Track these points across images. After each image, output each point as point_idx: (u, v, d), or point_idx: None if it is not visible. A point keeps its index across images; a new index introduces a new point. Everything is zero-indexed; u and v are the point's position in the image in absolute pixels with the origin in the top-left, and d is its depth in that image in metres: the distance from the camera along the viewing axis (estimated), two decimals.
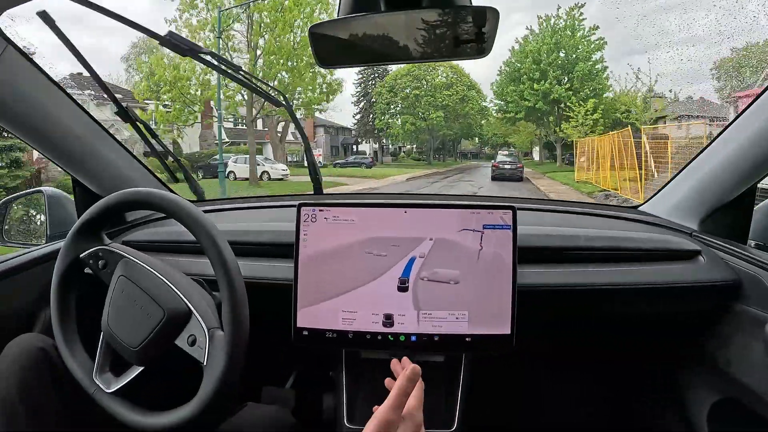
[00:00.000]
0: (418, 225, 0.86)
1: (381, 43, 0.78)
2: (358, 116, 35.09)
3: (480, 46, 0.76)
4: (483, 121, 34.16)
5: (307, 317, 0.86)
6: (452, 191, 13.70)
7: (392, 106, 31.42)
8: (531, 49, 22.78)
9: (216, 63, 1.01)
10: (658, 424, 1.20)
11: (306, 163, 1.26)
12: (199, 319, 0.72)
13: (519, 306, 0.84)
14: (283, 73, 15.14)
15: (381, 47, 0.79)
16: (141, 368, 0.75)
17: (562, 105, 21.37)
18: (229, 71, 1.04)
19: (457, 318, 0.84)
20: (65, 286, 0.82)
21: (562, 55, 22.38)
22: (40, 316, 1.01)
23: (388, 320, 0.85)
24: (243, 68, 1.06)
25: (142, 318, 0.73)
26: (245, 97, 14.54)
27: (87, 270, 0.83)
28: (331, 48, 0.80)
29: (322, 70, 15.12)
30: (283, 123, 18.99)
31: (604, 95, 21.44)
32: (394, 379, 0.74)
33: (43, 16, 0.81)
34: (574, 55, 22.16)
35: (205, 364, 0.69)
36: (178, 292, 0.74)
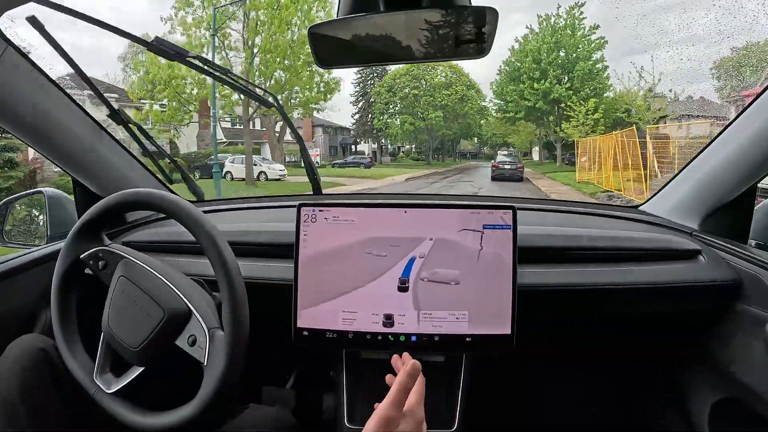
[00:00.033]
0: (418, 225, 0.86)
1: (380, 43, 0.79)
2: (356, 116, 35.12)
3: (479, 46, 0.77)
4: (482, 121, 34.20)
5: (307, 317, 0.87)
6: (452, 192, 13.69)
7: (391, 106, 31.43)
8: (531, 48, 22.81)
9: (204, 66, 1.02)
10: (659, 424, 1.21)
11: (303, 164, 1.26)
12: (200, 319, 0.72)
13: (519, 306, 0.85)
14: (280, 71, 15.11)
15: (380, 47, 0.80)
16: (141, 368, 0.75)
17: (563, 105, 21.39)
18: (218, 74, 1.05)
19: (457, 318, 0.85)
20: (66, 286, 0.83)
21: (562, 54, 22.41)
22: (41, 317, 1.02)
23: (389, 320, 0.85)
24: (233, 70, 1.07)
25: (142, 318, 0.74)
26: (242, 96, 14.54)
27: (87, 270, 0.83)
28: (330, 48, 0.80)
29: (320, 69, 15.08)
30: (281, 123, 18.94)
31: (605, 95, 21.47)
32: (395, 375, 0.74)
33: (32, 21, 0.82)
34: (575, 55, 22.19)
35: (205, 364, 0.70)
36: (178, 293, 0.75)
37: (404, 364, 0.67)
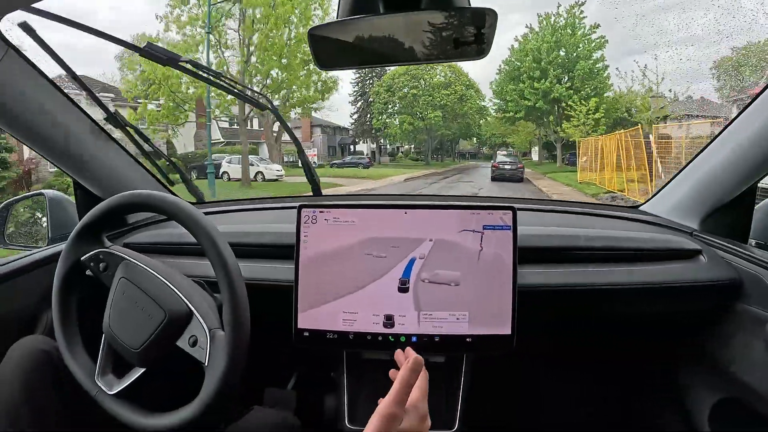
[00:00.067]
0: (418, 226, 0.87)
1: (380, 44, 0.79)
2: (355, 116, 35.13)
3: (479, 47, 0.77)
4: (481, 121, 34.24)
5: (308, 318, 0.88)
6: (452, 192, 13.67)
7: (390, 106, 31.43)
8: (531, 48, 22.82)
9: (196, 71, 1.03)
10: (660, 424, 1.21)
11: (302, 166, 1.27)
12: (200, 319, 0.73)
13: (519, 306, 0.85)
14: (277, 70, 15.03)
15: (380, 49, 0.80)
16: (143, 369, 0.76)
17: (563, 104, 21.41)
18: (211, 78, 1.05)
19: (457, 318, 0.86)
20: (66, 288, 0.83)
21: (562, 53, 22.42)
22: (42, 319, 1.03)
23: (389, 321, 0.86)
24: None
25: (143, 319, 0.74)
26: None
27: (88, 272, 0.84)
28: (330, 50, 0.81)
29: (317, 68, 14.97)
30: (276, 119, 18.87)
31: (605, 94, 21.49)
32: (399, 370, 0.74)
33: (25, 26, 0.83)
34: (575, 54, 22.22)
35: (206, 364, 0.70)
36: (179, 294, 0.76)
37: (407, 359, 0.66)
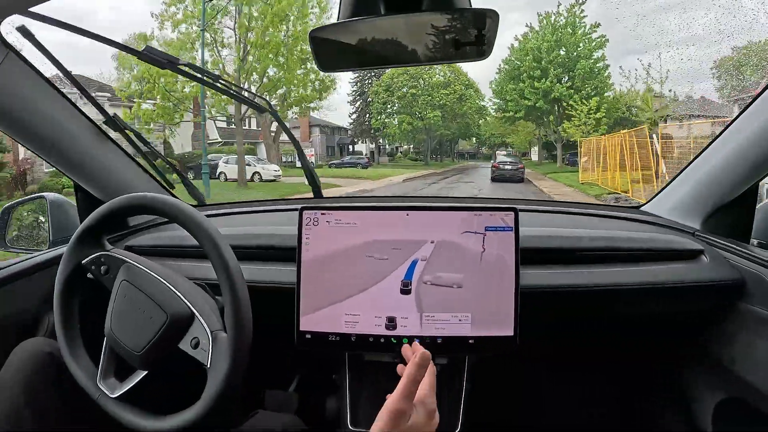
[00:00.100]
0: (419, 228, 0.87)
1: (382, 46, 0.80)
2: (354, 116, 35.22)
3: (480, 48, 0.78)
4: (481, 121, 34.34)
5: (310, 321, 0.88)
6: (452, 193, 13.67)
7: (389, 106, 31.51)
8: (531, 47, 22.89)
9: (195, 74, 1.03)
10: (663, 425, 1.22)
11: (299, 164, 1.28)
12: (202, 321, 0.74)
13: (522, 307, 0.86)
14: (274, 69, 14.96)
15: (382, 51, 0.81)
16: (145, 372, 0.77)
17: (564, 104, 21.46)
18: (210, 80, 1.06)
19: (460, 320, 0.86)
20: (68, 292, 0.84)
21: (562, 52, 22.51)
22: (44, 321, 1.03)
23: (391, 323, 0.86)
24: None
25: (145, 322, 0.75)
26: None
27: (89, 275, 0.85)
28: (331, 52, 0.81)
29: (314, 67, 14.85)
30: (275, 120, 18.81)
31: (605, 94, 21.54)
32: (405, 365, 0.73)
33: (23, 30, 0.83)
34: (575, 53, 22.28)
35: (209, 366, 0.71)
36: (181, 296, 0.76)
37: (414, 354, 0.65)
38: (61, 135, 1.01)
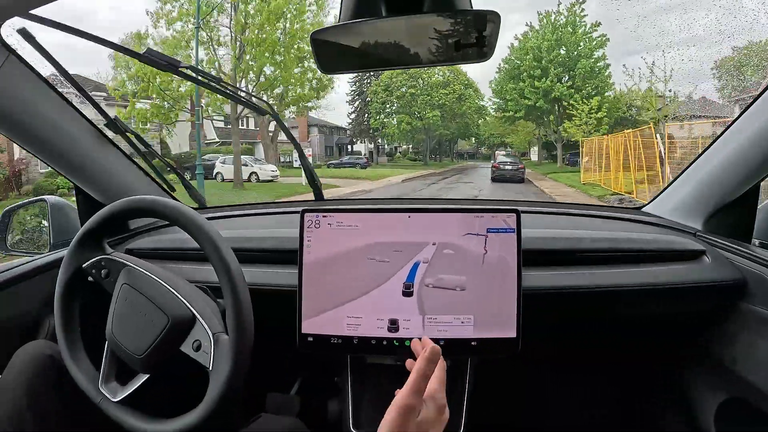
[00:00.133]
0: (421, 230, 0.88)
1: (383, 48, 0.80)
2: (353, 116, 35.22)
3: (482, 49, 0.78)
4: (480, 121, 34.39)
5: (312, 323, 0.88)
6: (452, 193, 13.66)
7: (388, 105, 31.53)
8: (531, 46, 22.92)
9: (196, 76, 1.04)
10: (665, 425, 1.23)
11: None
12: (204, 324, 0.74)
13: (524, 309, 0.86)
14: (270, 67, 14.85)
15: (383, 52, 0.81)
16: (146, 376, 0.77)
17: (564, 103, 21.48)
18: (211, 83, 1.07)
19: (462, 322, 0.86)
20: (68, 295, 0.84)
21: (563, 52, 22.54)
22: (45, 324, 1.04)
23: (393, 325, 0.87)
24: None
25: (146, 325, 0.75)
26: None
27: (90, 279, 0.85)
28: (332, 54, 0.82)
29: (312, 65, 14.79)
30: (275, 122, 18.70)
31: (606, 93, 21.57)
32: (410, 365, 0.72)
33: (24, 33, 0.84)
34: (576, 52, 22.31)
35: (210, 369, 0.71)
36: (182, 298, 0.77)
37: (423, 349, 0.64)
38: (61, 137, 1.02)
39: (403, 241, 0.88)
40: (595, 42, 22.45)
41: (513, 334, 0.86)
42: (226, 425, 0.78)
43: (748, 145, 0.96)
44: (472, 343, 0.86)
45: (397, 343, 0.87)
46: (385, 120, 31.89)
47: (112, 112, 1.11)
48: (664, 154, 10.02)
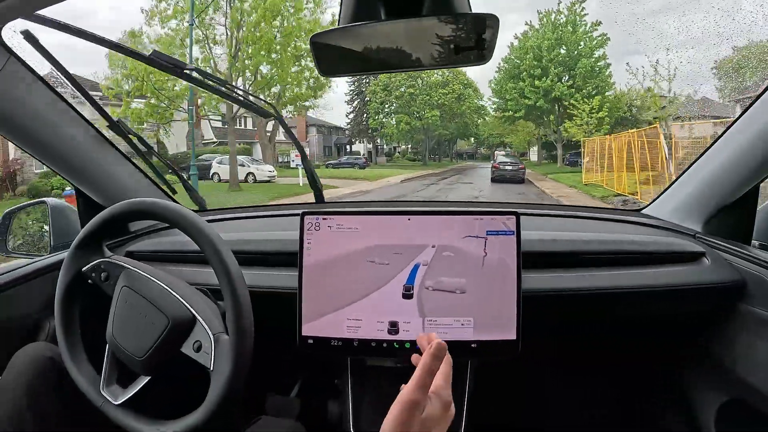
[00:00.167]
0: (421, 232, 0.89)
1: (382, 51, 0.81)
2: (351, 115, 35.24)
3: (480, 52, 0.78)
4: (479, 121, 34.41)
5: (312, 326, 0.89)
6: (452, 194, 13.63)
7: (387, 105, 31.56)
8: (531, 45, 22.91)
9: (202, 79, 1.04)
10: (665, 426, 1.24)
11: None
12: (204, 324, 0.75)
13: (524, 311, 0.87)
14: (267, 66, 14.74)
15: (382, 55, 0.81)
16: (148, 378, 0.78)
17: (565, 103, 21.47)
18: (217, 86, 1.07)
19: (462, 324, 0.87)
20: (69, 299, 0.85)
21: (563, 51, 22.54)
22: (45, 326, 1.05)
23: (393, 327, 0.88)
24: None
25: (146, 327, 0.76)
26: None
27: (90, 282, 0.86)
28: (333, 57, 0.82)
29: (309, 64, 14.67)
30: (273, 122, 18.71)
31: (607, 93, 21.58)
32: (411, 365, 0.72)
33: (27, 35, 0.85)
34: (576, 52, 22.32)
35: (211, 369, 0.72)
36: (182, 299, 0.77)
37: (429, 344, 0.62)
38: (61, 140, 1.03)
39: (403, 244, 0.89)
40: (595, 41, 22.47)
41: (513, 336, 0.87)
42: (227, 426, 0.79)
43: (747, 147, 0.97)
44: (472, 346, 0.87)
45: (397, 346, 0.88)
46: (383, 120, 31.92)
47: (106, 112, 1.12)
48: (670, 154, 9.86)
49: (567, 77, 22.56)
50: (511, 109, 24.09)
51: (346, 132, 36.19)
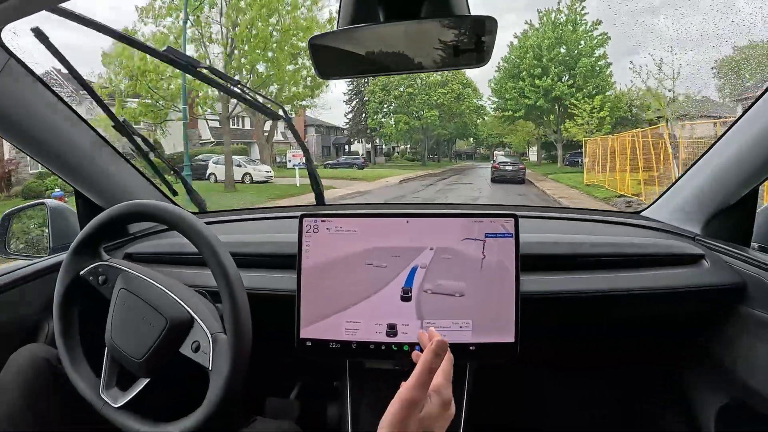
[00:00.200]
0: (419, 234, 0.89)
1: (381, 53, 0.81)
2: (350, 115, 35.21)
3: (479, 54, 0.79)
4: (479, 121, 34.43)
5: (311, 328, 0.90)
6: (451, 195, 13.61)
7: (385, 105, 31.53)
8: (531, 44, 22.91)
9: (213, 77, 1.05)
10: (665, 425, 1.25)
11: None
12: (202, 324, 0.76)
13: (522, 313, 0.88)
14: (263, 64, 14.60)
15: (381, 58, 0.82)
16: (147, 380, 0.78)
17: (565, 102, 21.47)
18: (228, 85, 1.08)
19: (460, 327, 0.88)
20: (67, 303, 0.86)
21: (563, 50, 22.54)
22: (44, 328, 1.05)
23: (392, 330, 0.88)
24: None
25: (145, 329, 0.77)
26: (220, 92, 13.98)
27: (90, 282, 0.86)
28: (331, 60, 0.83)
29: (306, 62, 14.56)
30: (270, 122, 18.68)
31: (607, 93, 21.58)
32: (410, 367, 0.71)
33: (37, 32, 0.85)
34: (576, 51, 22.32)
35: (210, 369, 0.73)
36: (179, 300, 0.78)
37: (430, 341, 0.62)
38: (61, 141, 1.03)
39: (402, 246, 0.89)
40: (595, 40, 22.49)
41: (511, 339, 0.87)
42: (226, 426, 0.80)
43: (746, 149, 0.98)
44: (471, 348, 0.88)
45: (395, 348, 0.88)
46: (382, 120, 31.90)
47: (98, 112, 1.12)
48: (677, 154, 9.78)
49: (567, 76, 22.56)
50: (511, 108, 24.08)
51: (345, 132, 36.15)
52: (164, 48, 0.94)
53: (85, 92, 1.03)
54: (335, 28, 0.80)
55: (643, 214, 1.31)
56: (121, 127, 1.10)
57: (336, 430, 0.99)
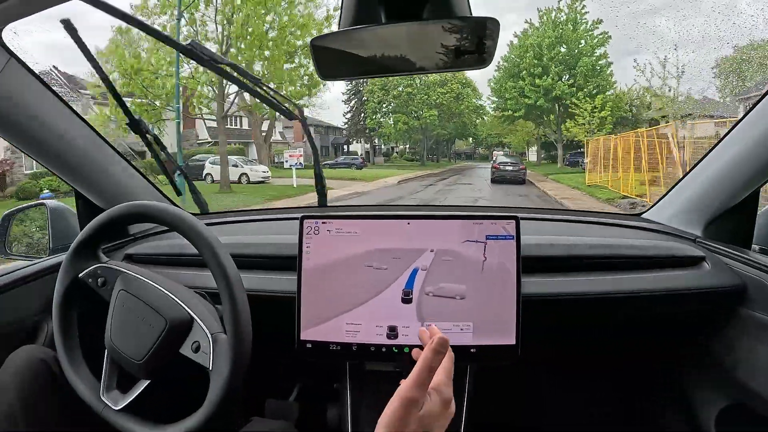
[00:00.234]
0: (420, 236, 0.90)
1: (382, 55, 0.82)
2: (348, 115, 35.20)
3: (481, 56, 0.79)
4: (478, 121, 34.47)
5: (311, 330, 0.90)
6: (451, 196, 13.59)
7: (384, 105, 31.55)
8: (531, 43, 22.93)
9: (236, 75, 1.05)
10: (665, 425, 1.25)
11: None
12: (202, 325, 0.76)
13: (523, 315, 0.88)
14: (259, 63, 14.40)
15: (382, 59, 0.82)
16: (147, 381, 0.79)
17: (566, 102, 21.49)
18: (248, 84, 1.08)
19: (461, 329, 0.88)
20: (66, 305, 0.86)
21: (563, 49, 22.56)
22: (44, 329, 1.06)
23: (393, 332, 0.89)
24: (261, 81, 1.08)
25: (144, 330, 0.77)
26: (215, 91, 13.82)
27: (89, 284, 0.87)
28: (332, 61, 0.83)
29: (303, 61, 14.50)
30: (268, 121, 18.66)
31: (608, 92, 21.61)
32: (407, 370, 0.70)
33: (66, 24, 0.86)
34: (577, 50, 22.35)
35: (210, 369, 0.73)
36: (179, 301, 0.79)
37: (431, 339, 0.60)
38: (61, 142, 1.04)
39: (402, 248, 0.90)
40: (596, 40, 22.53)
41: (512, 341, 0.88)
42: (226, 426, 0.80)
43: (747, 152, 0.98)
44: (472, 350, 0.88)
45: (396, 350, 0.89)
46: (381, 119, 31.94)
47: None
48: (684, 155, 9.63)
49: (568, 76, 22.59)
50: (511, 108, 24.11)
51: (344, 132, 36.16)
52: (188, 42, 0.94)
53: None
54: (334, 28, 0.80)
55: (644, 216, 1.32)
56: (136, 126, 1.10)
57: None
